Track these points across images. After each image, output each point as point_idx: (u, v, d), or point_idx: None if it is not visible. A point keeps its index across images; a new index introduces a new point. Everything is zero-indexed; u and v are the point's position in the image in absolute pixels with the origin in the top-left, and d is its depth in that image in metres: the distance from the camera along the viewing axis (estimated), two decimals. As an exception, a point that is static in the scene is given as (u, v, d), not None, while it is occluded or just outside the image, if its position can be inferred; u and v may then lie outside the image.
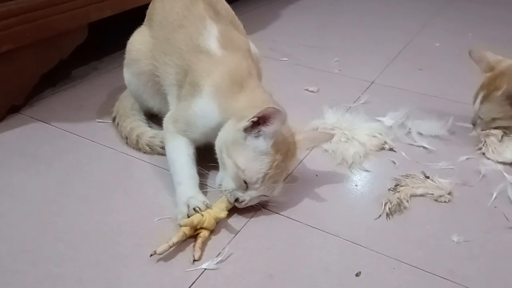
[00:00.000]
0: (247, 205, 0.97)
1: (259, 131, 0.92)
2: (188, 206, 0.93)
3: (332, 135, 1.13)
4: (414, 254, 0.91)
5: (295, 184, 1.08)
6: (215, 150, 1.00)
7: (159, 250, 0.86)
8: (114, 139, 1.24)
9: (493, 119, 1.24)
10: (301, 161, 1.17)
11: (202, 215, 0.91)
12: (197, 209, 0.92)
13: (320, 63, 1.78)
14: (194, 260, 0.87)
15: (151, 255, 0.86)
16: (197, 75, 1.05)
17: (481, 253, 0.92)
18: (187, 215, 0.92)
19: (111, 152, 1.20)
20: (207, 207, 0.94)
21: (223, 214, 0.94)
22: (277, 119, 0.90)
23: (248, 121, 0.92)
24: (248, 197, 0.95)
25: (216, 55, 1.06)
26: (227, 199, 0.97)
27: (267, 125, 0.92)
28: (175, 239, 0.88)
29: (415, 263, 0.89)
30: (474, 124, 1.29)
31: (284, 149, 0.96)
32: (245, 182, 0.94)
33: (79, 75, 1.60)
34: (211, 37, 1.08)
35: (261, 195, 0.96)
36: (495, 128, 1.24)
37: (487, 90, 1.23)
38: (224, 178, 0.97)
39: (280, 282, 0.84)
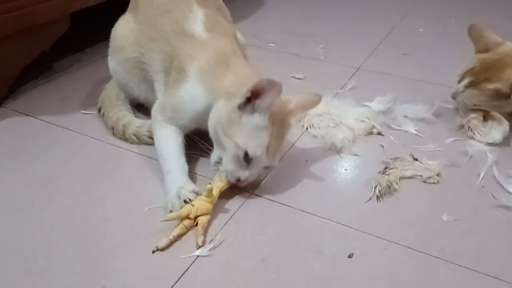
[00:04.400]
0: (249, 181, 0.97)
1: (253, 106, 0.91)
2: (179, 198, 0.92)
3: (320, 96, 1.07)
4: (405, 234, 0.92)
5: (286, 169, 1.08)
6: (208, 134, 0.99)
7: (160, 245, 0.85)
8: (100, 130, 1.22)
9: (475, 104, 1.25)
10: (291, 146, 1.17)
11: (192, 205, 0.90)
12: (188, 200, 0.91)
13: (306, 50, 1.77)
14: (199, 246, 0.86)
15: (153, 252, 0.85)
16: (182, 60, 1.03)
17: (471, 231, 0.93)
18: (180, 207, 0.91)
19: (97, 143, 1.18)
20: (198, 194, 0.93)
21: (214, 193, 0.93)
22: (272, 90, 0.89)
23: (241, 97, 0.91)
24: (250, 176, 0.95)
25: (201, 38, 1.05)
26: (223, 179, 0.95)
27: (261, 98, 0.90)
28: (175, 232, 0.87)
29: (406, 243, 0.90)
30: (454, 98, 1.31)
31: (279, 118, 0.95)
32: (246, 161, 0.93)
33: (62, 67, 1.56)
34: (197, 20, 1.07)
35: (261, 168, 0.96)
36: (474, 110, 1.25)
37: (476, 78, 1.22)
38: (223, 159, 0.96)
39: (273, 266, 0.84)
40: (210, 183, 0.94)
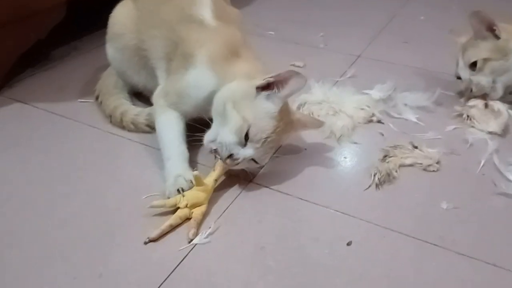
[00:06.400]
0: (238, 165, 0.94)
1: (269, 93, 0.93)
2: (175, 186, 0.92)
3: (323, 123, 1.09)
4: (404, 222, 0.91)
5: (284, 158, 1.07)
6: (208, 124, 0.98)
7: (152, 235, 0.84)
8: (97, 118, 1.21)
9: (485, 61, 1.23)
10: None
11: (183, 195, 0.89)
12: (180, 190, 0.91)
13: (306, 38, 1.76)
14: (190, 240, 0.85)
15: (145, 243, 0.84)
16: (190, 46, 1.02)
17: (470, 219, 0.93)
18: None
19: (95, 131, 1.17)
20: (193, 184, 0.92)
21: (207, 182, 0.92)
22: (296, 82, 0.92)
23: (264, 79, 0.93)
24: (242, 156, 0.91)
25: (210, 25, 1.05)
26: (217, 168, 0.95)
27: (283, 88, 0.92)
28: (168, 222, 0.87)
29: (405, 231, 0.89)
30: (458, 78, 1.32)
31: (287, 120, 0.97)
32: (245, 139, 0.91)
33: (59, 55, 1.55)
34: (205, 7, 1.06)
35: (251, 160, 0.94)
36: (494, 76, 1.24)
37: (462, 48, 1.29)
38: (220, 132, 0.93)
39: (272, 253, 0.84)
40: (196, 169, 0.93)
